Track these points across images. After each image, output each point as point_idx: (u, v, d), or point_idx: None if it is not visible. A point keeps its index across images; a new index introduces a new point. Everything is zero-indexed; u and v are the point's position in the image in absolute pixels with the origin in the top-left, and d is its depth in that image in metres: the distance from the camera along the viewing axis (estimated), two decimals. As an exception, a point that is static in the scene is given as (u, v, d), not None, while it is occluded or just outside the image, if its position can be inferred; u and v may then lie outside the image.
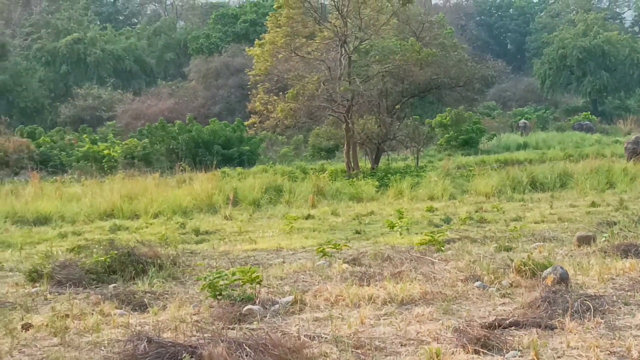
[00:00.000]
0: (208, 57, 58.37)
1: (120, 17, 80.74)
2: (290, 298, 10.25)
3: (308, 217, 20.88)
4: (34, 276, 12.56)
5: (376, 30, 35.67)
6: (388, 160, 37.72)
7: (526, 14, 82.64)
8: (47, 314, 10.06)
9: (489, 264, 12.07)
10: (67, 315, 9.93)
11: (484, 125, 47.93)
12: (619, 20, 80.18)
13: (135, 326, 8.98)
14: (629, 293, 9.75)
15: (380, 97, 35.68)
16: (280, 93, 35.29)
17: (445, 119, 43.64)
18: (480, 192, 24.95)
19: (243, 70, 43.34)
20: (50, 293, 11.55)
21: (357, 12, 34.94)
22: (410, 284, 10.69)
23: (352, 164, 34.50)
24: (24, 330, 9.41)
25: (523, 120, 56.69)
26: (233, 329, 8.60)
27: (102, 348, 8.30)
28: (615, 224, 16.62)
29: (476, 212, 20.14)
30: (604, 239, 14.32)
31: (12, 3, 72.18)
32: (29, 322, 9.74)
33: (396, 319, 9.13)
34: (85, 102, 55.64)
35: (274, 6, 39.41)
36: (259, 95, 36.04)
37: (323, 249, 14.06)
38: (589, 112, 60.25)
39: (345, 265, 12.65)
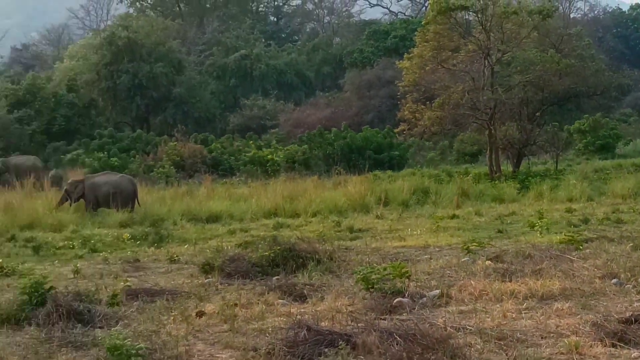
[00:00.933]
0: (361, 70, 58.47)
1: (283, 35, 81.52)
2: (437, 292, 10.19)
3: (453, 216, 20.72)
4: (207, 268, 12.83)
5: (517, 43, 35.24)
6: (528, 164, 37.15)
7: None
8: (218, 303, 10.24)
9: (625, 263, 11.76)
10: (236, 304, 10.08)
11: (620, 131, 46.72)
12: None
13: (296, 315, 9.06)
14: None
15: (521, 105, 35.29)
16: (428, 102, 35.27)
17: (584, 125, 42.72)
18: (617, 194, 24.35)
19: (393, 82, 43.32)
20: (220, 284, 11.74)
21: (499, 27, 34.61)
22: (550, 281, 10.51)
23: (494, 167, 34.19)
24: (197, 317, 9.60)
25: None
26: (384, 319, 8.58)
27: (267, 334, 8.39)
28: None
29: (613, 213, 19.65)
30: None
31: (187, 24, 73.80)
32: (202, 310, 9.93)
33: (536, 313, 8.98)
34: (251, 112, 56.41)
35: (422, 22, 39.32)
36: (407, 105, 36.12)
37: (467, 247, 13.96)
38: None
39: (488, 262, 12.50)
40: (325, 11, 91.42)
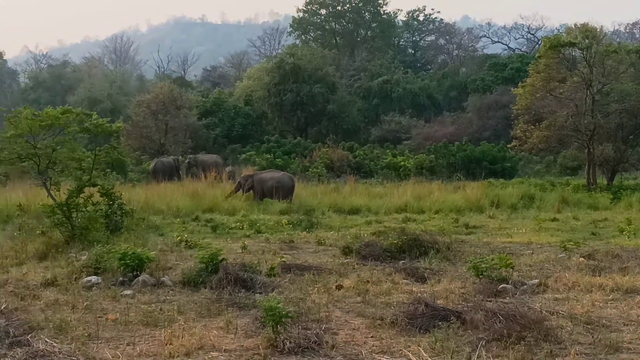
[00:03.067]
0: (482, 95, 57.89)
1: (418, 64, 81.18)
2: (536, 281, 10.05)
3: (553, 219, 20.29)
4: (346, 251, 12.94)
5: (616, 76, 34.44)
6: (621, 179, 36.09)
7: None
8: (354, 279, 10.31)
9: (701, 265, 11.30)
10: (368, 281, 10.14)
11: None
12: None
13: (417, 293, 9.05)
14: None
15: (617, 129, 34.44)
16: (537, 123, 34.98)
17: (672, 148, 41.08)
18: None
19: (508, 106, 42.86)
20: (357, 264, 11.83)
21: (601, 63, 33.93)
22: (634, 277, 10.23)
23: (591, 180, 33.53)
24: (337, 290, 9.69)
25: None
26: (490, 301, 8.49)
27: (392, 307, 8.41)
28: None
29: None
30: None
31: (341, 54, 74.50)
32: (341, 284, 10.01)
33: (621, 304, 8.75)
34: (389, 127, 56.46)
35: (535, 56, 38.78)
36: (519, 125, 36.09)
37: (564, 245, 13.68)
38: None
39: (581, 259, 12.22)
40: (454, 46, 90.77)
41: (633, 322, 7.78)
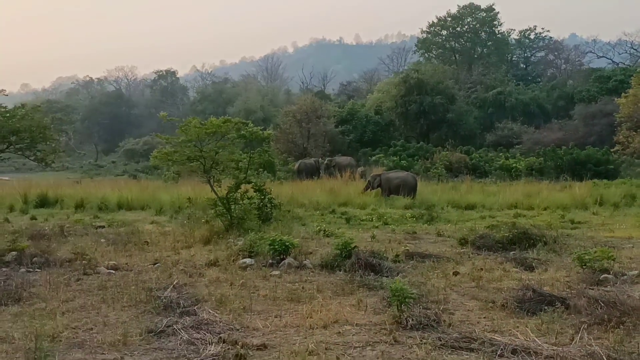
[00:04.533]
0: (587, 105, 55.77)
1: (529, 78, 78.93)
2: (636, 272, 9.67)
3: (654, 216, 19.33)
4: (462, 242, 12.82)
5: None
6: None
7: None
8: (469, 267, 10.22)
9: None
10: (482, 269, 10.03)
11: None
12: None
13: (525, 280, 8.87)
14: None
15: None
16: (638, 130, 33.61)
17: None
18: None
19: (612, 114, 41.24)
20: (471, 254, 11.71)
21: (700, 74, 32.25)
22: None
23: (690, 181, 31.86)
24: (454, 275, 9.62)
25: None
26: (592, 289, 8.21)
27: (502, 292, 8.30)
28: None
29: None
30: None
31: (460, 69, 73.48)
32: (457, 270, 9.94)
33: None
34: (502, 132, 55.30)
35: (638, 69, 37.15)
36: (622, 131, 35.02)
37: (664, 240, 13.04)
38: None
39: (681, 253, 11.62)
40: (562, 61, 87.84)
41: None
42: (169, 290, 8.40)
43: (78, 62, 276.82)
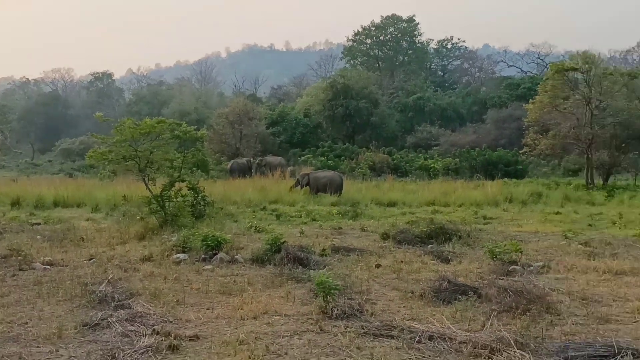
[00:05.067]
0: (499, 110, 57.25)
1: (446, 84, 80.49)
2: (540, 264, 10.00)
3: (557, 213, 19.97)
4: (385, 236, 12.97)
5: (611, 95, 33.98)
6: (614, 180, 35.40)
7: None
8: (390, 260, 10.35)
9: (682, 252, 11.07)
10: (402, 261, 10.17)
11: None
12: None
13: (441, 272, 9.02)
14: None
15: (611, 139, 33.86)
16: (544, 133, 34.78)
17: (657, 154, 40.21)
18: (679, 204, 22.80)
19: (520, 118, 42.34)
20: (393, 247, 11.84)
21: (599, 84, 33.56)
22: (623, 261, 10.13)
23: (589, 180, 33.13)
24: (376, 268, 9.73)
25: None
26: (501, 279, 8.45)
27: (421, 283, 8.43)
28: None
29: (675, 217, 18.39)
30: None
31: (383, 75, 74.45)
32: (380, 263, 10.04)
33: (611, 283, 8.65)
34: (422, 135, 56.14)
35: (544, 78, 38.34)
36: (530, 135, 35.97)
37: (565, 234, 13.58)
38: None
39: (579, 246, 12.10)
40: (476, 69, 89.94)
41: (621, 299, 7.69)
42: (104, 284, 8.22)
43: (14, 63, 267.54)
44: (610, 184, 32.93)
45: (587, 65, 34.59)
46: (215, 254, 10.50)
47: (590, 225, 16.65)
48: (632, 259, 10.44)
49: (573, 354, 5.26)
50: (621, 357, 5.19)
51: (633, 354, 5.24)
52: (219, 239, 10.76)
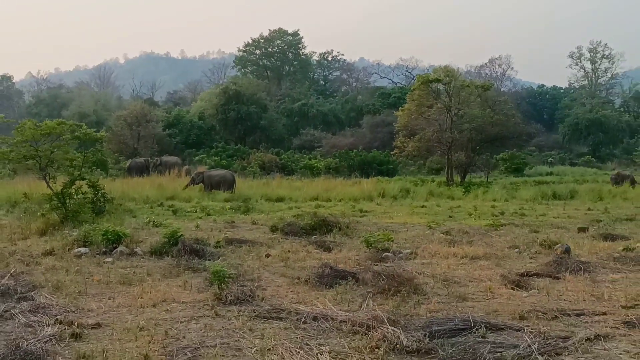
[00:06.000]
0: (373, 116, 58.57)
1: (327, 92, 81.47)
2: (409, 250, 10.27)
3: (423, 206, 20.63)
4: (273, 229, 12.96)
5: (468, 104, 35.37)
6: (470, 177, 37.00)
7: (555, 98, 79.20)
8: (279, 250, 10.37)
9: (524, 239, 11.74)
10: (289, 251, 10.21)
11: (527, 161, 46.57)
12: (611, 104, 75.86)
13: (324, 259, 9.13)
14: (606, 261, 9.27)
15: (468, 142, 35.24)
16: (411, 137, 35.55)
17: (505, 156, 42.39)
18: (523, 198, 24.13)
19: (391, 124, 43.48)
20: (281, 238, 11.86)
21: (457, 94, 34.83)
22: (477, 248, 10.55)
23: (449, 178, 34.24)
24: (266, 257, 9.73)
25: (550, 159, 54.82)
26: (376, 265, 8.65)
27: (306, 270, 8.48)
28: (601, 221, 15.77)
29: (519, 209, 19.46)
30: (594, 229, 13.67)
31: (271, 83, 74.46)
32: (269, 253, 10.05)
33: (468, 266, 9.03)
34: (306, 137, 56.63)
35: (412, 88, 39.47)
36: (399, 138, 36.64)
37: (430, 225, 14.01)
38: (591, 156, 57.67)
39: (441, 234, 12.54)
40: (354, 79, 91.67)
41: (476, 280, 8.05)
42: (6, 278, 7.77)
43: None
44: (467, 181, 34.17)
45: (448, 78, 35.92)
46: (116, 247, 10.16)
47: (450, 216, 17.32)
48: (485, 245, 10.95)
49: (436, 328, 5.49)
50: (476, 329, 5.48)
51: (486, 327, 5.54)
52: (119, 234, 10.43)
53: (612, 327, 5.69)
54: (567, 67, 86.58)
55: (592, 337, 5.33)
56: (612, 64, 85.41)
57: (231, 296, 6.84)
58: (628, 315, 6.02)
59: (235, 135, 57.36)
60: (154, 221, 14.22)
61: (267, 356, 4.67)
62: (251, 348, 5.11)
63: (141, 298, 6.99)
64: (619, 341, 5.27)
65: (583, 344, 5.16)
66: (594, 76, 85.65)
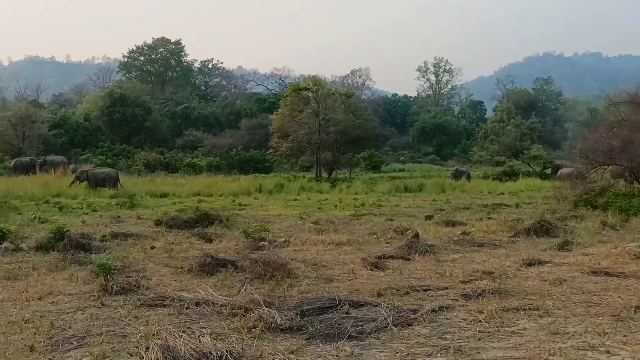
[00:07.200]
0: (250, 119, 58.40)
1: (208, 97, 79.95)
2: (283, 239, 10.32)
3: (295, 199, 20.93)
4: (158, 222, 12.55)
5: (333, 110, 36.27)
6: (336, 174, 37.93)
7: (406, 105, 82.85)
8: (163, 242, 10.04)
9: (381, 227, 12.15)
10: (173, 243, 9.92)
11: (383, 159, 48.35)
12: (451, 111, 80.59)
13: (205, 250, 8.95)
14: (447, 244, 9.82)
15: (334, 143, 36.15)
16: (285, 138, 35.87)
17: (365, 155, 43.84)
18: (380, 191, 25.08)
19: (267, 126, 43.62)
20: (165, 231, 11.52)
21: (324, 101, 35.58)
22: (342, 235, 10.78)
23: (318, 175, 34.88)
24: (151, 249, 9.39)
25: (402, 157, 57.30)
26: (254, 253, 8.58)
27: (189, 260, 8.27)
28: (443, 210, 16.75)
29: (377, 201, 20.21)
30: (438, 217, 14.45)
31: (155, 88, 72.15)
32: (154, 245, 9.70)
33: (333, 252, 9.20)
34: (189, 138, 55.46)
35: (284, 95, 39.85)
36: (274, 139, 36.95)
37: (301, 216, 14.19)
38: (435, 155, 60.89)
39: (311, 224, 12.72)
40: (232, 85, 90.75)
41: (341, 263, 8.22)
42: None
43: None
44: (333, 177, 35.09)
45: (316, 87, 36.64)
46: (0, 243, 9.37)
47: (319, 208, 17.70)
48: (348, 233, 11.23)
49: (306, 307, 5.56)
50: (341, 307, 5.60)
51: (349, 304, 5.68)
52: (3, 230, 9.61)
53: (452, 300, 6.04)
54: (416, 79, 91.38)
55: (437, 308, 5.63)
56: (452, 77, 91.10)
57: (117, 287, 6.52)
58: (465, 289, 6.42)
59: (120, 135, 55.03)
60: (39, 218, 13.27)
61: (152, 341, 4.49)
62: (136, 334, 4.89)
63: (26, 292, 6.49)
64: (458, 311, 5.61)
65: (429, 314, 5.43)
66: (437, 87, 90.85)
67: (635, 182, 18.30)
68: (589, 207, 15.70)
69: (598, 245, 9.50)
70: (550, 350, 4.39)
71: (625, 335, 4.74)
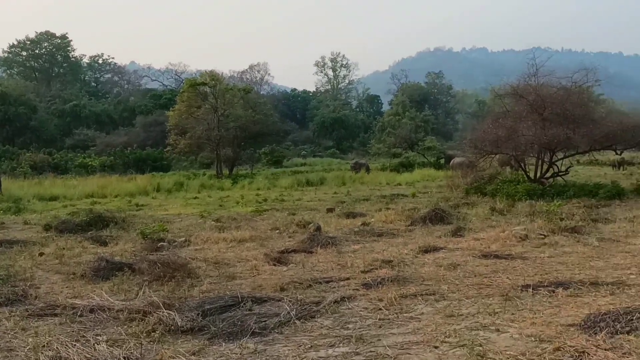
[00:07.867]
0: (146, 116, 56.57)
1: (100, 94, 76.58)
2: (183, 239, 10.12)
3: (195, 197, 20.53)
4: (47, 227, 11.88)
5: (232, 105, 35.91)
6: (237, 170, 37.65)
7: (306, 100, 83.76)
8: (53, 248, 9.51)
9: (283, 221, 12.20)
10: (64, 248, 9.43)
11: (285, 154, 48.59)
12: (349, 105, 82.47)
13: (100, 254, 8.55)
14: (348, 235, 10.01)
15: (234, 139, 35.79)
16: (183, 135, 35.18)
17: (267, 150, 43.82)
18: (282, 186, 25.18)
19: (163, 123, 42.41)
20: (55, 236, 10.89)
21: (223, 96, 35.20)
22: (244, 231, 10.74)
23: (219, 171, 34.53)
24: (39, 256, 8.84)
25: (304, 152, 57.88)
26: (152, 255, 8.31)
27: (82, 265, 7.87)
28: (344, 202, 17.07)
29: (280, 196, 20.25)
30: (339, 209, 14.71)
31: (40, 85, 67.92)
32: (43, 251, 9.15)
33: (236, 249, 9.14)
34: (79, 137, 52.83)
35: (181, 91, 38.97)
36: (172, 136, 36.08)
37: (202, 214, 13.99)
38: (335, 148, 62.01)
39: (213, 222, 12.56)
40: (125, 81, 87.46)
41: (243, 260, 8.16)
42: None
43: None
44: (235, 174, 34.83)
45: (213, 82, 36.09)
46: None
47: (220, 205, 17.44)
48: (250, 229, 11.18)
49: (208, 306, 5.46)
50: (244, 304, 5.55)
51: (252, 300, 5.64)
52: None
53: (354, 289, 6.17)
54: (314, 74, 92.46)
55: (339, 299, 5.72)
56: (349, 72, 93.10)
57: (2, 298, 6.07)
58: (366, 279, 6.58)
59: (3, 136, 51.39)
60: None
61: (42, 352, 4.22)
62: (24, 347, 4.57)
63: None
64: (360, 300, 5.73)
65: (332, 306, 5.51)
66: (335, 82, 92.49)
67: (520, 168, 19.58)
68: (479, 194, 16.65)
69: (488, 230, 10.09)
70: (445, 332, 4.60)
71: (513, 314, 5.06)
